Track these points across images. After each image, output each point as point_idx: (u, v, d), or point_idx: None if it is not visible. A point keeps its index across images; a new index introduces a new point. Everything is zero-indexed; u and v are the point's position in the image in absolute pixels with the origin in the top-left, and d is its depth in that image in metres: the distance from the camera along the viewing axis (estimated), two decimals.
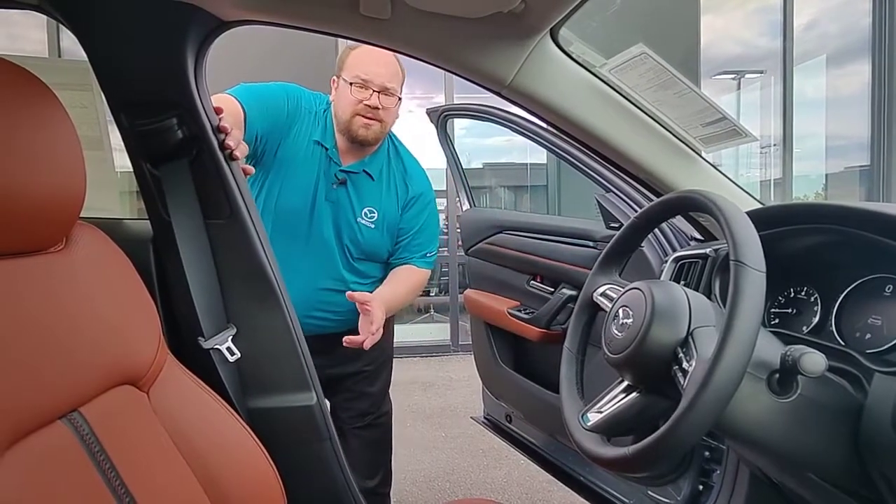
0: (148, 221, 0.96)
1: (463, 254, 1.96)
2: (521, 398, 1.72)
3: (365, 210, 1.40)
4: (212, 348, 0.89)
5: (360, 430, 1.57)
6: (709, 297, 0.81)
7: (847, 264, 0.77)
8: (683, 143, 0.96)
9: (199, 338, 0.89)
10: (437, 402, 3.21)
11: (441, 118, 1.90)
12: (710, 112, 0.86)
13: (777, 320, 0.86)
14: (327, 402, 1.16)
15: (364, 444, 1.57)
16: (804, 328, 0.81)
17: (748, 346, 0.52)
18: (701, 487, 1.24)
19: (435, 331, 4.56)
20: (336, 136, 1.38)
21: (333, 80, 1.38)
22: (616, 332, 0.69)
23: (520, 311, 1.63)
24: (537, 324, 1.52)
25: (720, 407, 0.51)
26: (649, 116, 0.94)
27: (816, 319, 0.80)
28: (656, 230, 1.24)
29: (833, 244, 0.78)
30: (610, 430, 0.69)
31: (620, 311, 0.70)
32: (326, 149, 1.36)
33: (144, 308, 0.79)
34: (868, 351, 0.69)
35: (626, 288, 0.72)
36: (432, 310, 5.05)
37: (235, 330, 0.94)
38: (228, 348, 0.91)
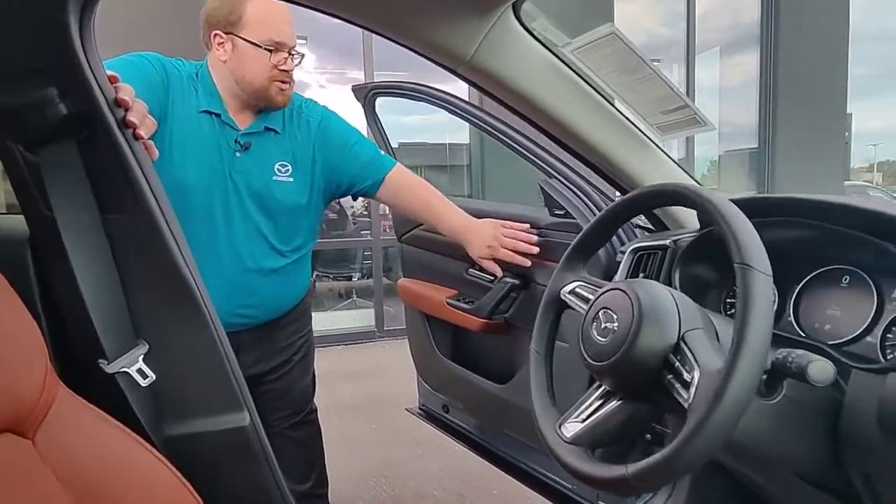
0: (22, 217, 0.77)
1: (385, 237, 1.86)
2: (460, 388, 1.67)
3: (277, 166, 1.27)
4: (118, 372, 0.74)
5: (290, 430, 1.45)
6: None
7: (803, 255, 0.78)
8: (639, 129, 0.93)
9: (101, 360, 0.73)
10: (366, 393, 3.11)
11: (369, 96, 1.76)
12: (672, 99, 0.83)
13: (733, 311, 0.86)
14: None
15: (296, 446, 1.46)
16: None
17: (762, 355, 0.48)
18: None
19: (358, 317, 4.42)
20: (224, 98, 1.23)
21: (217, 36, 1.20)
22: (598, 337, 0.64)
23: (459, 300, 1.57)
24: (479, 313, 1.47)
25: (734, 422, 0.48)
26: (607, 101, 0.89)
27: (774, 310, 0.80)
28: (588, 215, 1.21)
29: (790, 236, 0.78)
30: (593, 441, 0.64)
31: (601, 313, 0.65)
32: (218, 115, 1.21)
33: (23, 329, 0.62)
34: (830, 342, 0.70)
35: (605, 288, 0.67)
36: (354, 295, 4.90)
37: (147, 347, 0.78)
38: (139, 370, 0.76)
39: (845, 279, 0.73)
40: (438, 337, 1.71)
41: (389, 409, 2.84)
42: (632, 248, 0.94)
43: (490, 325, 1.47)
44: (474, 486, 2.12)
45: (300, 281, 1.40)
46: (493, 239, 1.29)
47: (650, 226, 1.09)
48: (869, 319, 0.67)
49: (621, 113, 0.90)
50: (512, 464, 1.59)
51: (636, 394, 0.62)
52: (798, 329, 0.76)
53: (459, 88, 2.39)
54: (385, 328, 4.19)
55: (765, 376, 0.58)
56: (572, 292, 0.77)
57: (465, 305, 1.53)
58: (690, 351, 0.55)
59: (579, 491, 1.41)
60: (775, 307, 0.80)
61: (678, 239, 0.88)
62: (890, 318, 0.65)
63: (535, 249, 1.27)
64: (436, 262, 1.68)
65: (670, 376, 0.56)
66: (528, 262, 1.27)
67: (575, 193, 1.26)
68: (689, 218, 0.98)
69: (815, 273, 0.76)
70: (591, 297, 0.73)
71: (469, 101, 1.50)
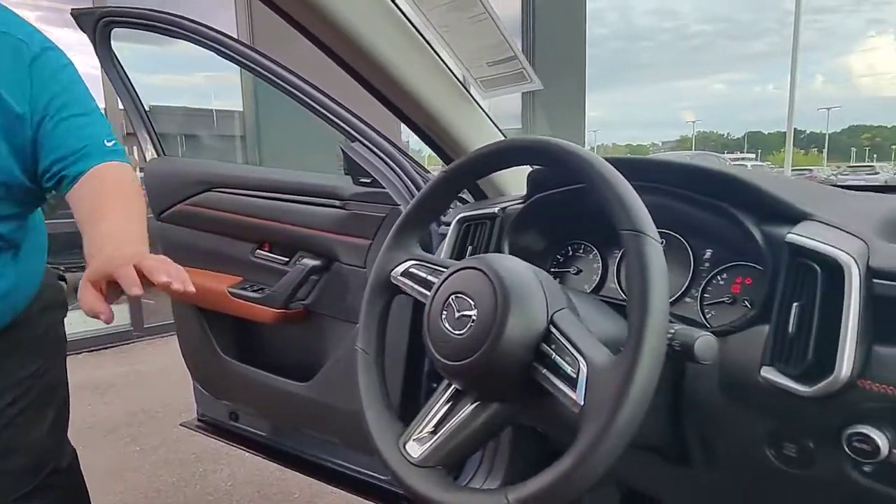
0: None
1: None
2: (252, 392, 1.42)
3: None
4: None
5: (28, 499, 1.01)
6: None
7: None
8: (461, 83, 0.83)
9: None
10: (124, 408, 2.52)
11: (100, 25, 1.32)
12: (501, 48, 0.74)
13: (559, 280, 0.83)
14: None
15: None
16: (586, 287, 0.80)
17: (665, 334, 0.41)
18: None
19: None
20: None
21: None
22: (450, 329, 0.51)
23: (245, 288, 1.30)
24: (273, 303, 1.24)
25: (640, 418, 0.40)
26: (431, 48, 0.76)
27: (598, 277, 0.79)
28: (397, 183, 1.09)
29: None
30: (448, 458, 0.52)
31: (453, 299, 0.52)
32: None
33: None
34: None
35: (454, 268, 0.55)
36: None
37: None
38: None
39: (662, 242, 0.74)
40: (219, 334, 1.41)
41: (158, 425, 2.35)
42: (458, 217, 0.84)
43: (287, 316, 1.25)
44: (272, 493, 1.88)
45: (12, 285, 0.92)
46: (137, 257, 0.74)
47: (466, 196, 1.02)
48: (687, 281, 0.69)
49: (445, 64, 0.78)
50: (314, 463, 1.42)
51: (498, 394, 0.51)
52: (624, 295, 0.75)
53: None
54: (144, 325, 3.48)
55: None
56: (406, 274, 0.63)
57: (254, 294, 1.27)
58: (566, 337, 0.46)
59: (394, 481, 1.32)
60: (598, 276, 0.79)
61: (506, 207, 0.81)
62: (705, 279, 0.67)
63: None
64: (210, 243, 1.36)
65: (545, 370, 0.47)
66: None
67: (382, 159, 1.11)
68: (510, 183, 0.92)
69: None
70: (431, 278, 0.60)
71: (250, 45, 1.21)
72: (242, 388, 1.42)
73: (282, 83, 1.12)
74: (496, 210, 0.80)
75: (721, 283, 0.66)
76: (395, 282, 0.63)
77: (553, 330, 0.48)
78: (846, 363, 0.46)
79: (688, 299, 0.69)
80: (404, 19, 0.71)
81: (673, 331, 0.49)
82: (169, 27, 1.23)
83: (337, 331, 1.24)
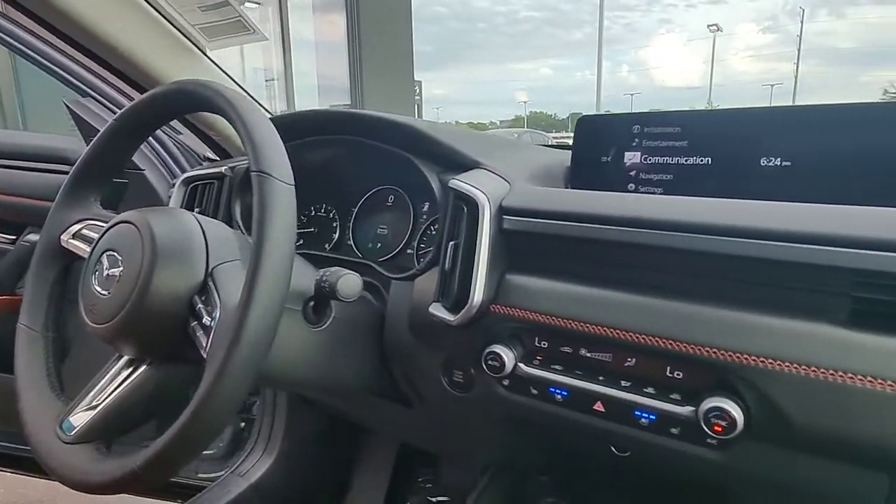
0: None
1: None
2: None
3: None
4: None
5: None
6: (230, 225, 0.67)
7: (357, 177, 0.78)
8: (180, 31, 0.75)
9: None
10: None
11: None
12: None
13: (301, 241, 0.82)
14: None
15: None
16: (326, 246, 0.80)
17: (285, 276, 0.41)
18: (242, 424, 1.17)
19: None
20: None
21: None
22: (99, 289, 0.46)
23: None
24: None
25: (258, 361, 0.39)
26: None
27: (336, 236, 0.79)
28: (161, 149, 1.00)
29: (344, 156, 0.77)
30: (111, 429, 0.48)
31: (105, 258, 0.47)
32: None
33: None
34: (381, 259, 0.72)
35: (111, 223, 0.49)
36: None
37: None
38: None
39: (391, 198, 0.76)
40: None
41: None
42: (182, 178, 0.77)
43: (16, 303, 1.06)
44: None
45: None
46: None
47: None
48: (408, 233, 0.72)
49: (157, 9, 0.70)
50: None
51: (163, 355, 0.48)
52: (357, 252, 0.77)
53: None
54: None
55: (312, 303, 0.54)
56: (78, 236, 0.56)
57: None
58: (217, 288, 0.45)
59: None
60: (337, 235, 0.79)
61: (236, 166, 0.76)
62: (422, 230, 0.71)
63: None
64: None
65: (195, 323, 0.45)
66: None
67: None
68: None
69: (367, 196, 0.78)
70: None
71: None
72: None
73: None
74: (223, 169, 0.76)
75: (432, 232, 0.70)
76: (67, 246, 0.56)
77: (209, 282, 0.46)
78: (478, 291, 0.52)
79: (409, 250, 0.72)
80: None
81: (329, 272, 0.51)
82: None
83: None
